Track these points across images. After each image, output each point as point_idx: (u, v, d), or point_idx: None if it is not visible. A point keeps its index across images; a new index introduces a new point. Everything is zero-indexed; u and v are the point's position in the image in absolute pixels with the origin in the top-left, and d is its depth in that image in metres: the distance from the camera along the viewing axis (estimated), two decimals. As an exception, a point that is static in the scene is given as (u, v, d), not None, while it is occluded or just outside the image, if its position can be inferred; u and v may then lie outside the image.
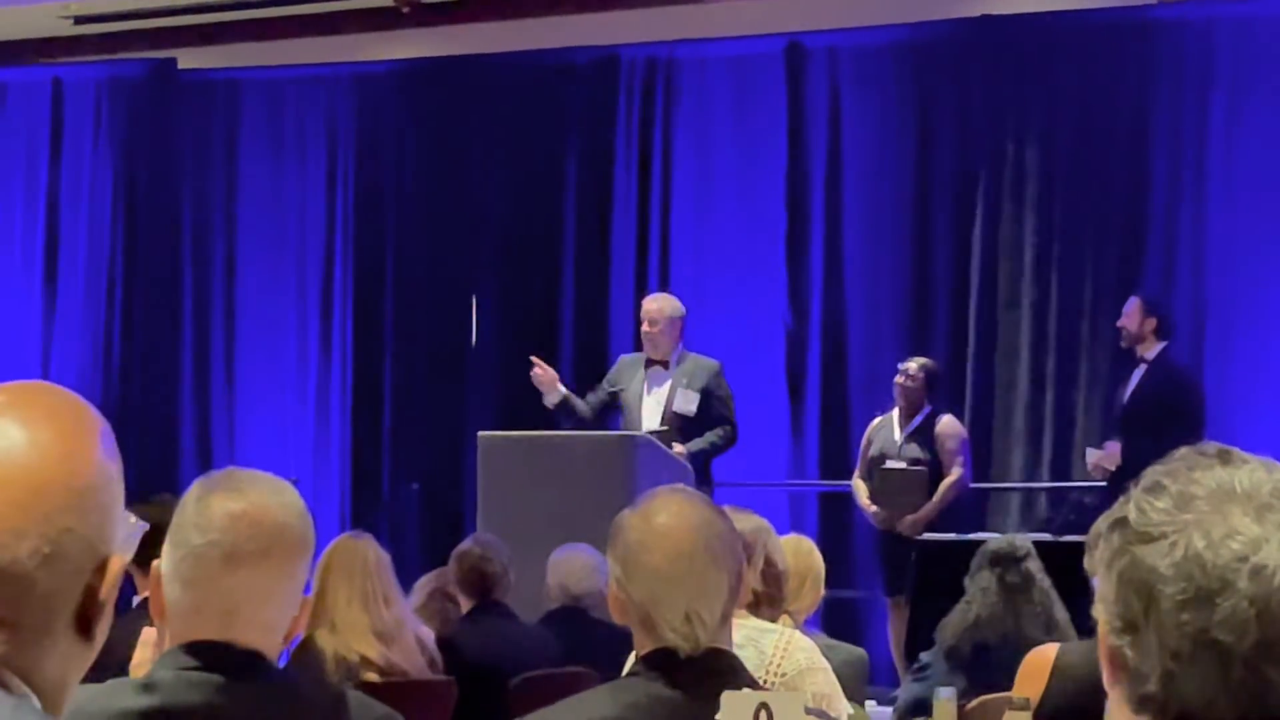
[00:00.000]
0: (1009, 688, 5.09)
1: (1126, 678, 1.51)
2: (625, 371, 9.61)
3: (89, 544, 1.56)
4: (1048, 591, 5.82)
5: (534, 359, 9.53)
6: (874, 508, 10.10)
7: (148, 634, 2.92)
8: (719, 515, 3.06)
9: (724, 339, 11.27)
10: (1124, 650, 1.50)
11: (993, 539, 6.37)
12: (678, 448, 9.11)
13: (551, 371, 9.50)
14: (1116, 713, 1.54)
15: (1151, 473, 1.54)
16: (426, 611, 6.90)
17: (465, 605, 6.83)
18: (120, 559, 1.59)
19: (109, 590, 1.58)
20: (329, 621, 5.81)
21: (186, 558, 2.69)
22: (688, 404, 9.36)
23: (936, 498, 9.95)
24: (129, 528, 1.62)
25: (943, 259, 11.75)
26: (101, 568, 1.58)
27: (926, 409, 10.14)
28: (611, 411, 9.58)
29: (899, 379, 10.16)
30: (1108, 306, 10.94)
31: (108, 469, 1.59)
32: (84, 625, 1.57)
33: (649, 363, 9.52)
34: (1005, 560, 5.85)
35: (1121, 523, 1.53)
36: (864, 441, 10.36)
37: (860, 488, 10.21)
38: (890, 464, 10.07)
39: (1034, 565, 5.86)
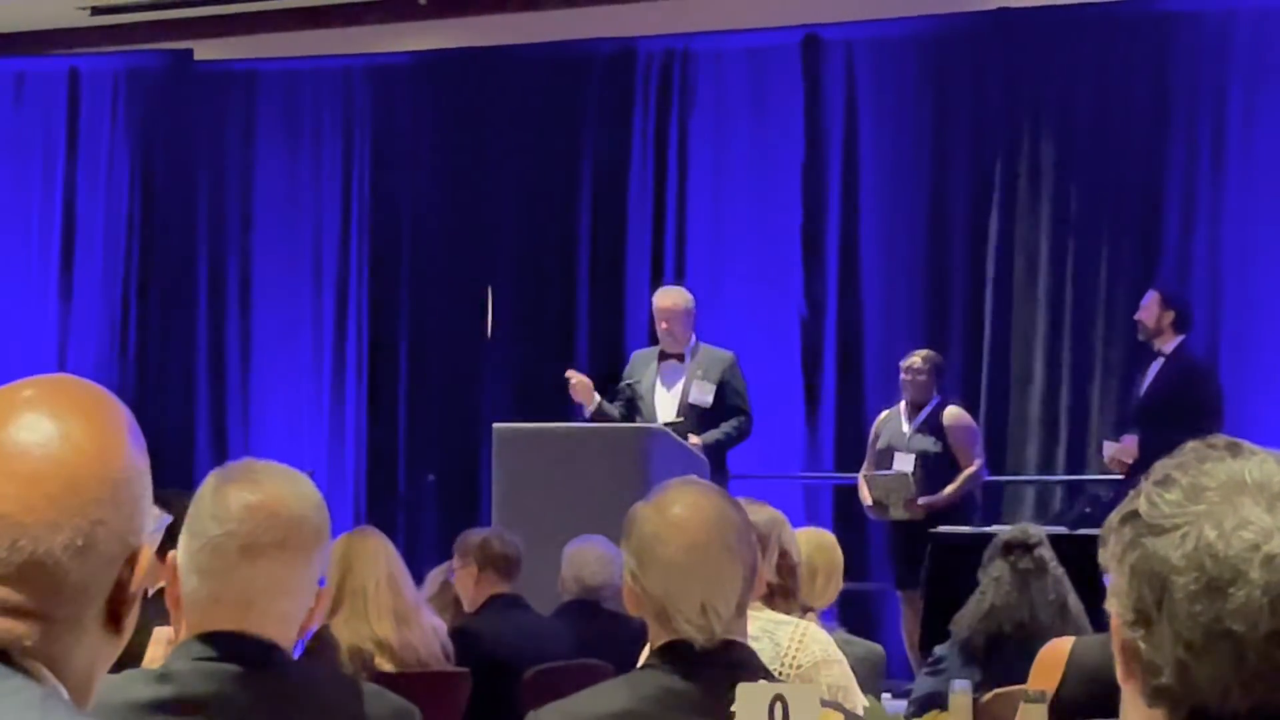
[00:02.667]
0: (1024, 679, 5.09)
1: (1140, 670, 1.51)
2: (639, 365, 9.62)
3: (121, 536, 1.57)
4: (1061, 579, 5.82)
5: (569, 373, 9.50)
6: (872, 505, 10.11)
7: (160, 633, 2.93)
8: (733, 507, 3.06)
9: (740, 331, 11.26)
10: (1137, 643, 1.50)
11: (1006, 530, 6.37)
12: (693, 439, 9.12)
13: (586, 380, 9.46)
14: (1131, 707, 1.54)
15: (1161, 466, 1.55)
16: (439, 602, 6.91)
17: (482, 590, 6.79)
18: (150, 551, 1.61)
19: (139, 582, 1.60)
20: (349, 606, 5.82)
21: (203, 549, 2.69)
22: (703, 396, 9.37)
23: (956, 484, 9.93)
24: (155, 519, 1.63)
25: (959, 252, 11.75)
26: (131, 560, 1.59)
27: (934, 400, 10.14)
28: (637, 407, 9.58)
29: (904, 373, 10.15)
30: (1124, 299, 10.92)
31: (137, 461, 1.61)
32: (114, 617, 1.59)
33: (663, 355, 9.52)
34: (1017, 548, 5.85)
35: (1132, 516, 1.53)
36: (872, 435, 10.35)
37: (865, 484, 10.19)
38: (870, 473, 10.08)
39: (1046, 553, 5.86)
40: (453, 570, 7.03)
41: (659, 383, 9.47)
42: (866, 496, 10.15)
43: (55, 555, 1.52)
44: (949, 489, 9.93)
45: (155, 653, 2.92)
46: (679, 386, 9.42)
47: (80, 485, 1.55)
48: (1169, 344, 9.80)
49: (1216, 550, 1.47)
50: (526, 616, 6.72)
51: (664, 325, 9.52)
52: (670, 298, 9.65)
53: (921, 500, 9.88)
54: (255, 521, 2.69)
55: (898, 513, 9.93)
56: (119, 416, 1.62)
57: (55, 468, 1.54)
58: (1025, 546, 5.86)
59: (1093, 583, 4.91)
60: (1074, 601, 5.79)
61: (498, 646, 6.38)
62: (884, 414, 10.34)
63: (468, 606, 6.82)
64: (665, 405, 9.39)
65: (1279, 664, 1.45)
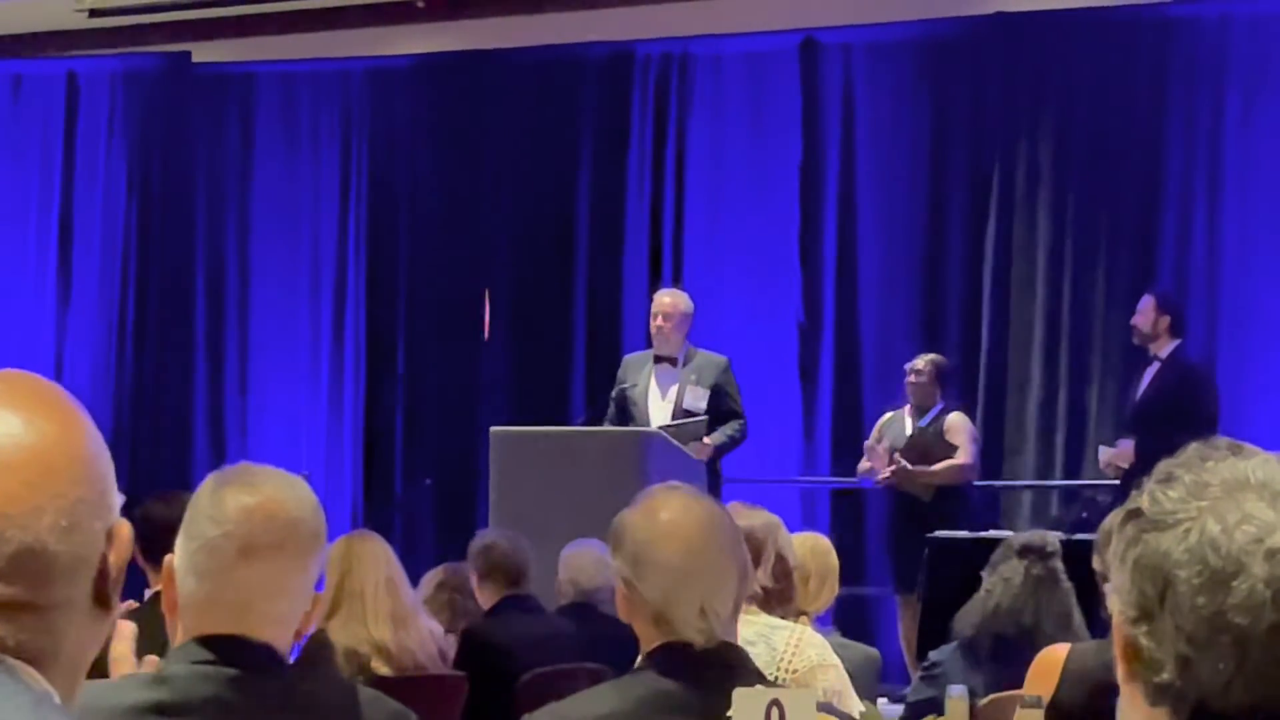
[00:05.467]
0: (1021, 683, 5.09)
1: (1142, 667, 1.51)
2: (632, 369, 9.61)
3: (99, 512, 1.59)
4: (1069, 593, 5.79)
5: None
6: (869, 464, 10.12)
7: (123, 627, 2.90)
8: (721, 508, 3.09)
9: (737, 334, 11.27)
10: (1140, 639, 1.51)
11: (1023, 533, 6.35)
12: (705, 439, 9.13)
13: None
14: (1131, 708, 1.54)
15: (1165, 465, 1.55)
16: (435, 604, 6.91)
17: (488, 597, 6.79)
18: (127, 524, 1.63)
19: (122, 555, 1.61)
20: (346, 609, 5.82)
21: (200, 550, 2.69)
22: (696, 401, 9.36)
23: (941, 465, 9.95)
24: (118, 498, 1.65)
25: (956, 256, 11.75)
26: (110, 535, 1.61)
27: (938, 405, 10.14)
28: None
29: (909, 376, 10.17)
30: (1121, 304, 10.92)
31: (99, 438, 1.64)
32: (102, 595, 1.60)
33: (657, 359, 9.52)
34: (1034, 553, 5.82)
35: (1135, 513, 1.54)
36: (874, 434, 10.35)
37: (865, 463, 10.23)
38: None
39: (1060, 565, 5.83)
40: (451, 571, 7.05)
41: (653, 388, 9.46)
42: (866, 465, 10.17)
43: (44, 539, 1.54)
44: (934, 466, 9.95)
45: (121, 649, 2.88)
46: (673, 392, 9.41)
47: (54, 467, 1.56)
48: (1165, 348, 9.80)
49: (1219, 544, 1.47)
50: (537, 619, 6.71)
51: (658, 321, 9.50)
52: (671, 297, 9.66)
53: (913, 466, 9.91)
54: (253, 524, 2.69)
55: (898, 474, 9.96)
56: (70, 399, 1.65)
57: (27, 455, 1.56)
58: (1042, 554, 5.83)
59: (1089, 587, 4.90)
60: (1078, 617, 5.77)
61: (504, 650, 6.37)
62: (888, 415, 10.35)
63: (483, 605, 6.86)
64: (659, 411, 9.39)
65: (1281, 658, 1.45)
